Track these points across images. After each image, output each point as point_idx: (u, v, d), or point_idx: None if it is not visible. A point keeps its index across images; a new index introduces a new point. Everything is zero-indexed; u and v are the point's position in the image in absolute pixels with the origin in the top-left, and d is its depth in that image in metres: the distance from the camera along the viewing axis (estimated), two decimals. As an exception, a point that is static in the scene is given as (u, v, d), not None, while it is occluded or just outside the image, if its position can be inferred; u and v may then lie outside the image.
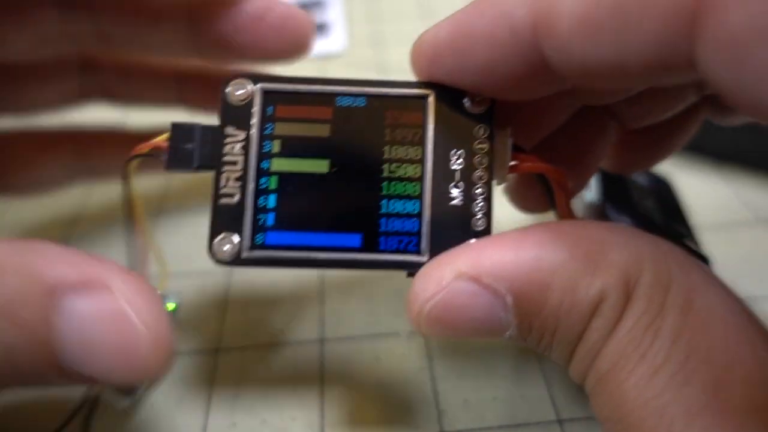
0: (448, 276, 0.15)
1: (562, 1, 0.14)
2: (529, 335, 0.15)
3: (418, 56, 0.17)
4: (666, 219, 0.24)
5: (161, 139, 0.18)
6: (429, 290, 0.15)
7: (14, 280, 0.14)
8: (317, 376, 0.23)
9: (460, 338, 0.16)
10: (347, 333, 0.25)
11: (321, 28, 0.46)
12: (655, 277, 0.14)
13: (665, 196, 0.26)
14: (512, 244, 0.15)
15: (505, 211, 0.22)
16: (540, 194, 0.20)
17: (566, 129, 0.21)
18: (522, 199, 0.23)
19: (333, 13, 0.47)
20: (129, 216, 0.21)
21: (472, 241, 0.17)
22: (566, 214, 0.19)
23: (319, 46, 0.44)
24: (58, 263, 0.15)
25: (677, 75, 0.13)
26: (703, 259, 0.21)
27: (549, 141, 0.21)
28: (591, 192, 0.24)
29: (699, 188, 0.31)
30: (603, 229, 0.15)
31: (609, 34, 0.13)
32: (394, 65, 0.41)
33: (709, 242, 0.25)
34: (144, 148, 0.18)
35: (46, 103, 0.26)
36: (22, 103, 0.25)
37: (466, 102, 0.17)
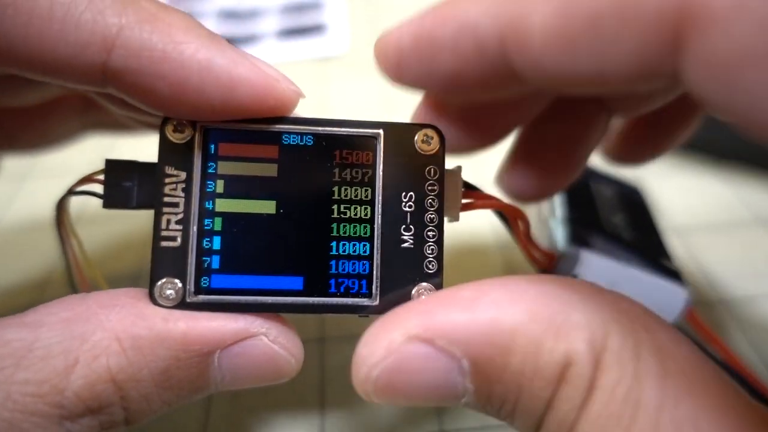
0: (398, 338, 0.14)
1: (531, 13, 0.13)
2: (487, 403, 0.14)
3: (383, 60, 0.17)
4: (636, 234, 0.23)
5: (94, 176, 0.17)
6: (376, 354, 0.14)
7: (167, 353, 0.15)
8: (317, 376, 0.23)
9: (411, 405, 0.15)
10: (347, 333, 0.25)
11: (321, 29, 0.46)
12: (622, 340, 0.13)
13: (635, 206, 0.26)
14: (467, 303, 0.14)
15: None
16: (535, 178, 0.20)
17: (550, 118, 0.20)
18: (514, 187, 0.22)
19: (334, 15, 0.47)
20: (67, 258, 0.19)
21: (422, 296, 0.16)
22: (527, 245, 0.20)
23: (320, 47, 0.44)
24: (207, 330, 0.16)
25: (660, 84, 0.13)
26: (676, 275, 0.21)
27: (533, 132, 0.21)
28: (557, 212, 0.24)
29: (699, 188, 0.31)
30: (563, 287, 0.14)
31: (585, 48, 0.12)
32: (395, 66, 0.41)
33: (708, 242, 0.25)
34: (78, 185, 0.18)
35: (52, 139, 0.27)
36: (31, 139, 0.26)
37: (417, 142, 0.17)
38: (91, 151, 0.29)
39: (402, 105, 0.37)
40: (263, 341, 0.16)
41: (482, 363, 0.14)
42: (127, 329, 0.15)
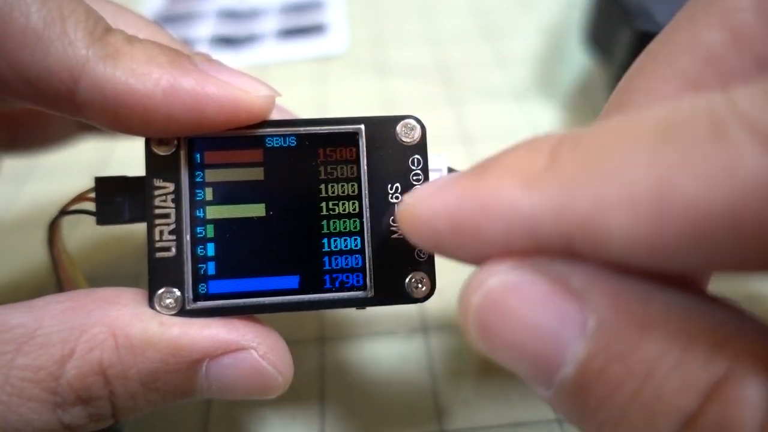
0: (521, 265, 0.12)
1: (607, 218, 0.10)
2: (588, 392, 0.11)
3: (415, 234, 0.15)
4: None
5: (85, 194, 0.18)
6: (495, 270, 0.12)
7: (157, 356, 0.15)
8: (317, 376, 0.23)
9: (501, 355, 0.12)
10: (347, 333, 0.25)
11: (321, 29, 0.46)
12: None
13: None
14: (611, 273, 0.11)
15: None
16: None
17: None
18: None
19: (333, 14, 0.47)
20: (59, 278, 0.19)
21: (417, 285, 0.17)
22: None
23: (320, 47, 0.44)
24: (198, 338, 0.16)
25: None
26: None
27: None
28: None
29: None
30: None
31: (683, 253, 0.10)
32: (395, 65, 0.41)
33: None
34: (70, 205, 0.18)
35: (51, 141, 0.27)
36: (31, 141, 0.27)
37: (399, 133, 0.17)
38: (92, 153, 0.29)
39: (402, 105, 0.37)
40: (252, 355, 0.16)
41: (611, 331, 0.11)
42: (124, 327, 0.15)
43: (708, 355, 0.10)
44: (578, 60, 0.39)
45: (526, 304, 0.12)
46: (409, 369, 0.23)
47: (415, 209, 0.14)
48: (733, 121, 0.09)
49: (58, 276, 0.19)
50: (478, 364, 0.23)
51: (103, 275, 0.28)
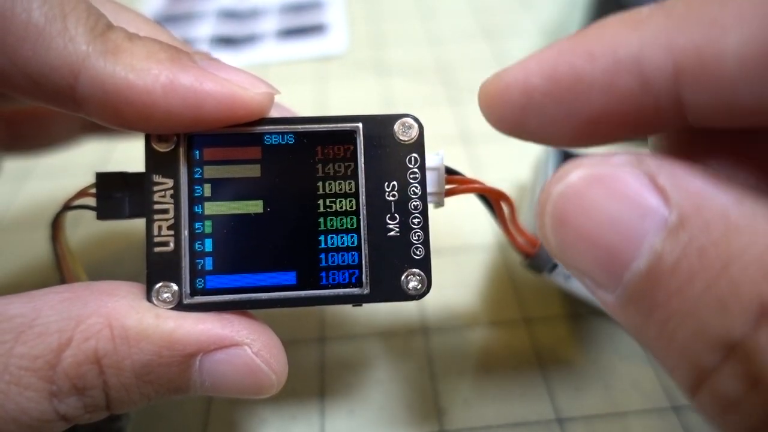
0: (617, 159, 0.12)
1: (722, 38, 0.11)
2: (652, 295, 0.11)
3: (498, 105, 0.14)
4: None
5: (87, 190, 0.18)
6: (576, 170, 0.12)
7: (151, 348, 0.15)
8: (317, 376, 0.23)
9: (570, 251, 0.12)
10: (347, 333, 0.25)
11: (321, 29, 0.46)
12: None
13: None
14: (698, 170, 0.11)
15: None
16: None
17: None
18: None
19: (333, 14, 0.47)
20: (62, 273, 0.19)
21: (411, 282, 0.17)
22: (509, 229, 0.20)
23: (320, 47, 0.44)
24: (192, 332, 0.16)
25: None
26: None
27: None
28: None
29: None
30: None
31: None
32: (394, 65, 0.41)
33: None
34: (72, 200, 0.18)
35: (54, 141, 0.27)
36: (34, 141, 0.27)
37: (396, 132, 0.17)
38: (92, 153, 0.29)
39: (402, 105, 0.37)
40: (246, 352, 0.16)
41: (697, 233, 0.11)
42: (120, 318, 0.15)
43: None
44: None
45: (609, 195, 0.12)
46: (409, 369, 0.23)
47: (504, 75, 0.14)
48: None
49: (60, 271, 0.19)
50: (478, 364, 0.23)
51: (104, 272, 0.28)
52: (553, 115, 0.13)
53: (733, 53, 0.11)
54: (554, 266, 0.21)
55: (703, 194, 0.11)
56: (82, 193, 0.18)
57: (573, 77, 0.13)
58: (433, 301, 0.26)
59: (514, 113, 0.14)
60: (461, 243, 0.28)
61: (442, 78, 0.39)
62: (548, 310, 0.25)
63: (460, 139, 0.35)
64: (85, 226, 0.30)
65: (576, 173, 0.12)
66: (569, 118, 0.13)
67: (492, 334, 0.24)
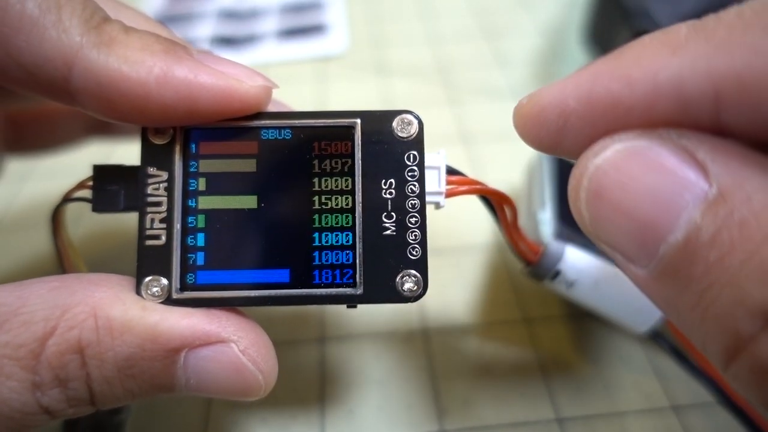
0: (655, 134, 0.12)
1: (765, 70, 0.11)
2: (690, 265, 0.11)
3: (535, 126, 0.14)
4: None
5: (86, 182, 0.18)
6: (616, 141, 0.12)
7: (134, 340, 0.15)
8: (317, 376, 0.23)
9: (603, 223, 0.12)
10: (347, 333, 0.25)
11: (321, 29, 0.46)
12: None
13: None
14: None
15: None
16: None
17: None
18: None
19: (333, 14, 0.47)
20: (63, 266, 0.19)
21: (407, 283, 0.16)
22: (512, 234, 0.19)
23: (320, 47, 0.44)
24: (177, 326, 0.16)
25: None
26: None
27: None
28: (546, 205, 0.24)
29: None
30: None
31: None
32: (395, 65, 0.41)
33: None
34: (72, 192, 0.18)
35: (58, 143, 0.27)
36: (37, 143, 0.27)
37: (395, 128, 0.17)
38: (93, 153, 0.29)
39: (402, 105, 0.37)
40: (232, 349, 0.16)
41: (737, 202, 0.11)
42: (105, 309, 0.15)
43: None
44: (578, 60, 0.39)
45: (647, 168, 0.12)
46: (409, 369, 0.23)
47: (541, 96, 0.14)
48: None
49: (61, 264, 0.19)
50: (478, 364, 0.23)
51: (103, 268, 0.28)
52: (590, 137, 0.13)
53: None
54: (556, 274, 0.21)
55: (744, 169, 0.11)
56: (81, 185, 0.18)
57: (610, 102, 0.13)
58: (433, 301, 0.26)
59: (550, 135, 0.14)
60: (461, 243, 0.28)
61: (442, 78, 0.39)
62: (548, 311, 0.25)
63: (459, 139, 0.35)
64: (84, 222, 0.30)
65: (614, 147, 0.12)
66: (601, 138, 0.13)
67: (492, 334, 0.24)
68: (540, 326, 0.25)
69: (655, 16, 0.30)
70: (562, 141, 0.14)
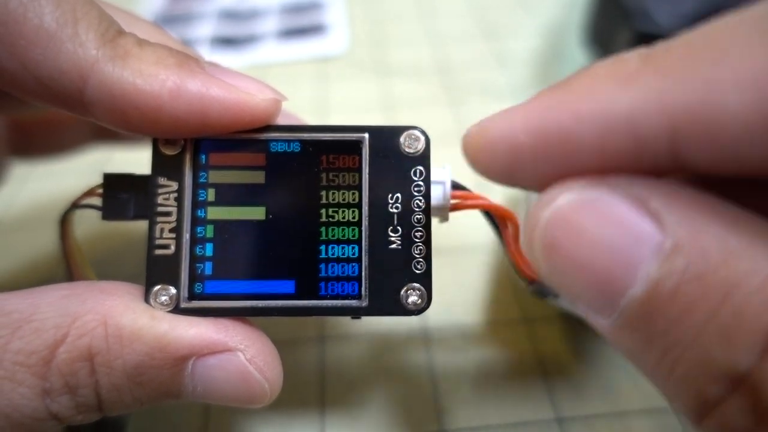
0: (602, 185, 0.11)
1: (721, 103, 0.10)
2: (649, 322, 0.11)
3: (485, 157, 0.14)
4: None
5: (95, 190, 0.18)
6: (566, 191, 0.12)
7: (144, 349, 0.15)
8: (317, 376, 0.23)
9: (562, 277, 0.12)
10: (347, 332, 0.25)
11: (321, 29, 0.46)
12: None
13: None
14: (707, 206, 0.11)
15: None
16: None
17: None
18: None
19: (333, 15, 0.47)
20: (70, 270, 0.19)
21: (411, 297, 0.16)
22: (514, 250, 0.19)
23: (320, 47, 0.44)
24: (185, 335, 0.16)
25: None
26: None
27: None
28: None
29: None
30: None
31: None
32: (395, 66, 0.41)
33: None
34: (81, 199, 0.18)
35: (65, 148, 0.28)
36: (47, 147, 0.27)
37: (402, 144, 0.17)
38: (93, 153, 0.29)
39: (402, 105, 0.37)
40: (239, 358, 0.16)
41: (696, 259, 0.10)
42: (115, 317, 0.15)
43: None
44: (578, 60, 0.39)
45: (600, 221, 0.11)
46: (409, 369, 0.23)
47: (489, 128, 0.13)
48: None
49: (68, 268, 0.19)
50: (478, 365, 0.23)
51: (105, 272, 0.28)
52: (543, 170, 0.13)
53: (734, 115, 0.10)
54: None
55: (699, 219, 0.11)
56: (90, 193, 0.18)
57: (562, 137, 0.12)
58: (434, 301, 0.26)
59: (503, 169, 0.14)
60: (461, 243, 0.28)
61: (442, 78, 0.39)
62: (548, 310, 0.25)
63: (459, 139, 0.35)
64: (87, 225, 0.30)
65: (563, 197, 0.12)
66: (561, 172, 0.13)
67: (492, 334, 0.24)
68: (540, 326, 0.25)
69: (655, 16, 0.30)
70: (515, 174, 0.14)
